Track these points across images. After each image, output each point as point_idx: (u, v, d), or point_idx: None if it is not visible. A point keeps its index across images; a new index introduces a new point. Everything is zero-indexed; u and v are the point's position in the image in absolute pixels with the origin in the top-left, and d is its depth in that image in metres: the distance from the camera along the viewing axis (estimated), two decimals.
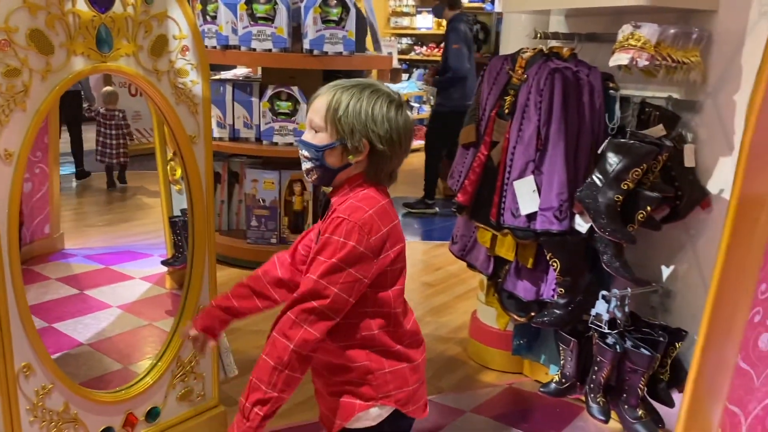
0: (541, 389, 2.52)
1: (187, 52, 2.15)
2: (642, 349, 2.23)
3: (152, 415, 2.27)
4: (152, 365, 2.26)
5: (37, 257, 4.25)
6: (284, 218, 4.38)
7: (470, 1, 10.58)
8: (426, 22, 10.65)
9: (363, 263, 1.36)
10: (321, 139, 1.41)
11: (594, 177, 2.28)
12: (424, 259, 4.80)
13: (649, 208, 2.22)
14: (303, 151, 1.44)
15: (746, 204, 2.05)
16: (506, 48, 2.90)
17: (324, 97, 1.41)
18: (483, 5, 9.96)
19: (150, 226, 5.12)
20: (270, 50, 4.06)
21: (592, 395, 2.33)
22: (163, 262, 3.80)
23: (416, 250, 4.99)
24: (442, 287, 4.22)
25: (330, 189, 1.50)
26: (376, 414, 1.46)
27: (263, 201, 4.35)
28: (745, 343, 2.22)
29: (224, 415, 2.50)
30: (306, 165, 1.45)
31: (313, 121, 1.42)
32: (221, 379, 2.51)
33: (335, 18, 4.06)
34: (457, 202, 2.68)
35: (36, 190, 4.26)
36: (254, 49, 4.06)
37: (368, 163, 1.42)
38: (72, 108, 6.34)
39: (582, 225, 2.33)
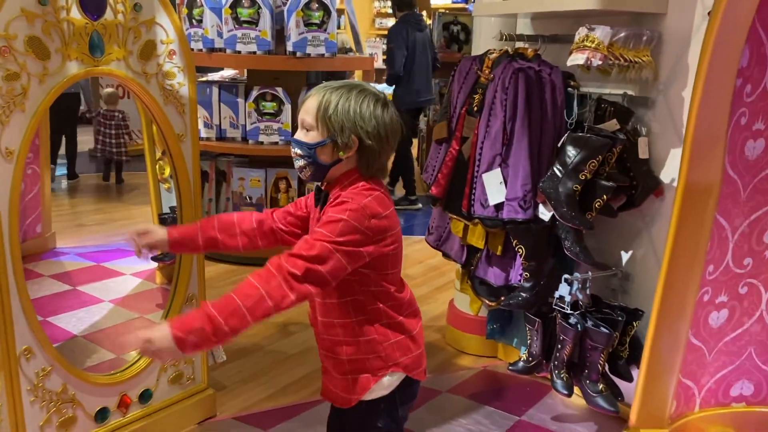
0: (510, 367, 2.69)
1: (174, 56, 2.30)
2: (602, 328, 2.40)
3: (145, 396, 2.42)
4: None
5: (30, 256, 4.36)
6: None
7: (453, 2, 10.78)
8: None
9: (362, 240, 1.45)
10: (312, 137, 1.52)
11: (555, 168, 2.45)
12: (406, 253, 4.95)
13: (605, 197, 2.40)
14: (296, 149, 1.55)
15: (693, 192, 2.23)
16: (477, 49, 3.07)
17: (314, 98, 1.52)
18: (466, 6, 10.15)
19: (140, 225, 5.25)
20: (255, 53, 4.21)
21: (556, 371, 2.50)
22: (153, 258, 3.93)
23: None
24: (422, 279, 4.39)
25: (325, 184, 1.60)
26: (388, 383, 1.58)
27: (250, 198, 4.50)
28: (695, 321, 2.40)
29: (213, 398, 2.65)
30: (299, 162, 1.55)
31: (305, 120, 1.53)
32: (210, 364, 2.66)
33: (317, 21, 4.22)
34: (432, 194, 2.85)
35: (28, 191, 4.39)
36: (239, 52, 4.21)
37: (358, 159, 1.53)
38: (69, 110, 6.45)
39: (545, 213, 2.51)
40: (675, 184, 2.37)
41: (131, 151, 7.29)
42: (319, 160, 1.52)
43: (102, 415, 2.28)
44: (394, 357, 1.57)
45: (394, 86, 6.09)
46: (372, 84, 1.65)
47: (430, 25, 7.36)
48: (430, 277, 4.40)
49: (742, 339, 2.53)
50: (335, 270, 1.43)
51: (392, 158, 6.36)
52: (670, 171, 2.44)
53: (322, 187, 1.60)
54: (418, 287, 4.21)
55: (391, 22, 11.17)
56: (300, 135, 1.54)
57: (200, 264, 2.55)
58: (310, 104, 1.52)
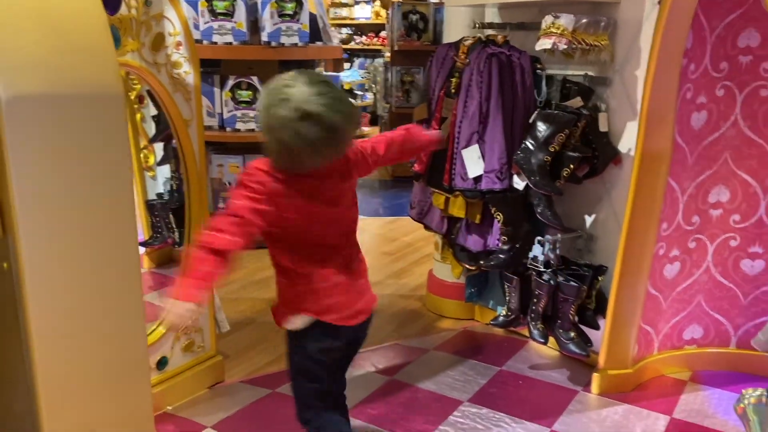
0: (491, 322, 2.99)
1: (180, 47, 2.50)
2: (571, 282, 2.72)
3: (162, 363, 2.62)
4: (161, 319, 2.60)
5: None
6: None
7: None
8: (364, 12, 11.03)
9: (251, 194, 1.71)
10: None
11: (527, 142, 2.74)
12: (381, 232, 5.23)
13: (572, 166, 2.70)
14: None
15: (648, 159, 2.56)
16: (449, 37, 3.34)
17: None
18: None
19: None
20: (231, 43, 4.39)
21: (533, 323, 2.81)
22: (142, 243, 4.09)
23: (373, 225, 5.42)
24: (398, 255, 4.66)
25: None
26: (300, 320, 1.90)
27: (229, 184, 4.68)
28: (653, 274, 2.74)
29: (221, 364, 2.87)
30: None
31: None
32: (217, 332, 2.88)
33: (290, 12, 4.42)
34: (414, 171, 3.11)
35: None
36: (216, 43, 4.38)
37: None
38: None
39: (519, 183, 2.80)
40: (632, 153, 2.69)
41: None
42: None
43: None
44: (301, 305, 1.88)
45: None
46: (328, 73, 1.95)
47: (389, 14, 7.60)
48: (405, 252, 4.68)
49: (692, 288, 2.88)
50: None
51: None
52: (626, 142, 2.75)
53: None
54: (395, 262, 4.48)
55: (345, 11, 11.38)
56: None
57: None
58: None
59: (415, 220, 3.33)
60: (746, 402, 1.57)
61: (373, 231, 5.26)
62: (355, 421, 2.52)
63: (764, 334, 1.33)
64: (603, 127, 2.78)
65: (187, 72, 2.54)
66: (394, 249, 4.78)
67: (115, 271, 0.86)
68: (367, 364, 3.01)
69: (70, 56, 0.74)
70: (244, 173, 1.76)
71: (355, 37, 11.13)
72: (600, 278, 2.81)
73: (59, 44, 0.73)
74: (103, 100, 0.77)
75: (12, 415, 0.87)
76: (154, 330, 2.58)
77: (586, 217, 2.96)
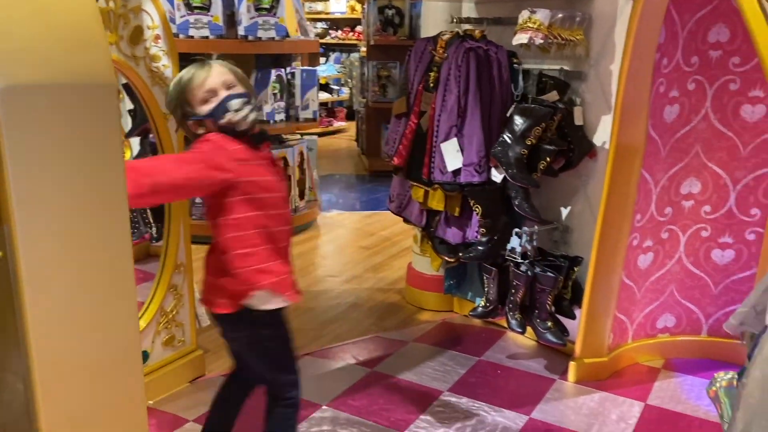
0: (470, 313, 3.04)
1: (159, 40, 2.49)
2: (548, 273, 2.77)
3: (142, 357, 2.61)
4: (141, 313, 2.60)
5: None
6: None
7: None
8: (339, 7, 11.01)
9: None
10: (239, 90, 1.90)
11: (505, 136, 2.78)
12: (359, 227, 5.25)
13: (548, 159, 2.75)
14: (245, 100, 1.87)
15: (622, 152, 2.62)
16: (427, 31, 3.37)
17: (223, 65, 1.91)
18: None
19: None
20: (207, 37, 4.36)
21: (511, 313, 2.86)
22: None
23: (350, 219, 5.43)
24: (377, 249, 4.68)
25: None
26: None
27: None
28: (627, 264, 2.81)
29: (202, 358, 2.87)
30: (248, 109, 1.86)
31: (226, 80, 1.88)
32: (197, 327, 2.88)
33: (267, 6, 4.40)
34: (394, 164, 3.14)
35: None
36: (192, 37, 4.35)
37: None
38: None
39: (497, 176, 2.84)
40: (606, 146, 2.75)
41: None
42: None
43: None
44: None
45: None
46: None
47: (365, 8, 7.61)
48: (383, 247, 4.70)
49: (665, 278, 2.96)
50: None
51: None
52: (601, 135, 2.81)
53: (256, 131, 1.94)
54: (373, 256, 4.50)
55: (321, 5, 11.35)
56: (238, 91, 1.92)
57: (186, 231, 2.74)
58: (227, 69, 1.91)
59: (394, 214, 3.36)
60: (718, 385, 1.62)
61: (350, 225, 5.28)
62: (338, 413, 2.55)
63: (735, 318, 1.39)
64: (578, 120, 2.83)
65: (166, 65, 2.53)
66: (372, 243, 4.80)
67: (108, 256, 0.87)
68: (348, 356, 3.04)
69: (64, 46, 0.75)
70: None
71: (330, 31, 11.12)
72: (576, 269, 2.86)
73: (52, 33, 0.74)
74: (97, 89, 0.78)
75: (4, 404, 0.87)
76: None
77: (562, 209, 3.02)
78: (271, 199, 1.86)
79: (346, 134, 9.57)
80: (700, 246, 2.91)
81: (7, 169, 0.75)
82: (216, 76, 1.85)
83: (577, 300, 2.88)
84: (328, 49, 10.94)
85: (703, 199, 2.86)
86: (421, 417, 2.53)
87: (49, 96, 0.78)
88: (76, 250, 0.86)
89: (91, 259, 0.88)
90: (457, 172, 2.90)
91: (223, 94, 1.84)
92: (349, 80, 10.02)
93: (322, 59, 10.67)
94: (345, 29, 10.92)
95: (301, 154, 4.99)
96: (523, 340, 3.16)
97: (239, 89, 1.87)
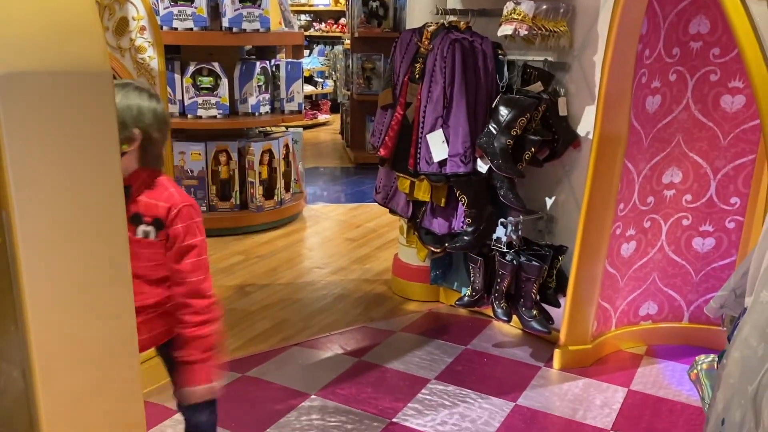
0: (457, 302, 3.07)
1: (144, 32, 2.48)
2: (533, 262, 2.80)
3: None
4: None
5: None
6: (212, 187, 4.70)
7: None
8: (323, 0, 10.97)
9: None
10: None
11: (490, 126, 2.81)
12: (344, 219, 5.26)
13: (533, 149, 2.78)
14: None
15: (605, 142, 2.66)
16: (412, 23, 3.38)
17: None
18: None
19: None
20: (191, 29, 4.34)
21: (496, 302, 2.90)
22: None
23: (336, 212, 5.45)
24: (363, 241, 4.70)
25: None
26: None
27: (191, 171, 4.64)
28: (610, 252, 2.85)
29: None
30: None
31: None
32: None
33: None
34: (380, 155, 3.15)
35: None
36: (176, 29, 4.32)
37: (140, 152, 1.66)
38: None
39: (482, 166, 2.87)
40: (590, 136, 2.78)
41: None
42: None
43: None
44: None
45: None
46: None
47: (349, 0, 7.59)
48: (369, 239, 4.72)
49: (647, 266, 3.01)
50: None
51: None
52: (585, 125, 2.85)
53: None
54: (359, 248, 4.52)
55: None
56: None
57: None
58: None
59: (380, 205, 3.38)
60: (699, 368, 1.66)
61: (336, 218, 5.29)
62: (326, 402, 2.58)
63: (715, 302, 1.42)
64: (562, 111, 2.86)
65: (152, 57, 2.52)
66: (358, 235, 4.82)
67: (106, 243, 0.88)
68: (336, 346, 3.06)
69: (60, 34, 0.75)
70: (195, 216, 1.69)
71: (314, 24, 11.07)
72: (560, 258, 2.90)
73: (49, 22, 0.74)
74: (93, 77, 0.79)
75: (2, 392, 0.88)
76: None
77: (547, 199, 3.05)
78: None
79: (331, 127, 9.57)
80: (682, 234, 2.97)
81: (5, 155, 0.75)
82: None
83: (561, 288, 2.92)
84: (312, 41, 10.90)
85: (684, 188, 2.91)
86: (409, 405, 2.56)
87: (47, 83, 0.78)
88: (75, 236, 0.87)
89: (89, 245, 0.89)
90: (442, 163, 2.92)
91: None
92: (333, 72, 10.00)
93: (306, 52, 10.63)
94: (329, 21, 10.88)
95: (287, 146, 4.99)
96: (509, 329, 3.20)
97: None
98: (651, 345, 3.08)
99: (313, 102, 10.09)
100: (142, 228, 1.66)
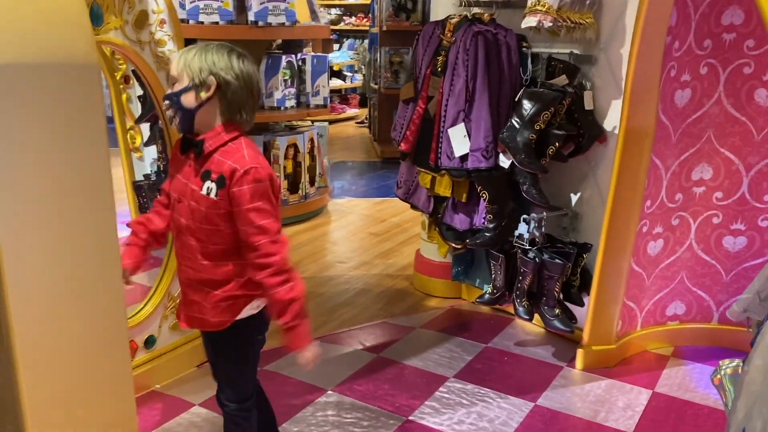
0: (477, 300, 3.02)
1: (164, 25, 2.48)
2: (556, 260, 2.74)
3: (149, 342, 2.63)
4: (148, 298, 2.62)
5: None
6: (284, 181, 4.69)
7: None
8: None
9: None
10: (177, 87, 1.70)
11: (513, 120, 2.75)
12: (369, 213, 5.24)
13: (557, 144, 2.72)
14: (166, 102, 1.72)
15: (632, 137, 2.58)
16: (436, 15, 3.33)
17: (178, 55, 1.72)
18: None
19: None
20: (217, 23, 4.35)
21: (518, 300, 2.84)
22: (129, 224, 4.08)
23: (361, 206, 5.42)
24: (387, 236, 4.67)
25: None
26: (256, 304, 1.81)
27: None
28: (636, 251, 2.77)
29: None
30: (169, 113, 1.72)
31: (172, 75, 1.73)
32: None
33: None
34: (401, 150, 3.12)
35: None
36: (202, 23, 4.34)
37: (221, 103, 1.68)
38: None
39: (505, 161, 2.82)
40: (616, 131, 2.71)
41: None
42: (184, 105, 1.68)
43: None
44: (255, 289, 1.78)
45: None
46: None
47: None
48: (393, 233, 4.69)
49: (675, 265, 2.92)
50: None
51: None
52: (612, 119, 2.77)
53: (196, 138, 1.72)
54: (383, 243, 4.49)
55: None
56: (169, 90, 1.73)
57: None
58: (174, 60, 1.73)
59: (401, 200, 3.34)
60: (723, 373, 1.60)
61: (361, 212, 5.27)
62: (343, 398, 2.56)
63: (739, 305, 1.36)
64: (588, 105, 2.79)
65: (172, 50, 2.52)
66: (383, 229, 4.79)
67: (93, 241, 0.86)
68: (355, 341, 3.04)
69: (44, 24, 0.74)
70: (255, 177, 1.66)
71: (344, 17, 11.05)
72: (585, 256, 2.83)
73: (35, 14, 0.73)
74: (80, 69, 0.77)
75: None
76: (142, 309, 2.60)
77: (572, 195, 2.98)
78: (174, 200, 1.76)
79: (359, 121, 9.54)
80: (712, 233, 2.87)
81: None
82: (172, 68, 1.71)
83: (585, 287, 2.86)
84: (342, 35, 10.88)
85: (714, 185, 2.81)
86: (426, 403, 2.53)
87: (32, 75, 0.77)
88: (60, 233, 0.85)
89: (75, 243, 0.88)
90: (464, 158, 2.87)
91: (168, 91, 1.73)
92: (363, 67, 9.97)
93: (336, 46, 10.62)
94: (359, 15, 10.85)
95: (312, 140, 4.98)
96: (531, 327, 3.14)
97: (179, 85, 1.68)
98: (678, 346, 2.99)
99: (342, 96, 10.08)
100: (207, 184, 1.66)
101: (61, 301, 0.87)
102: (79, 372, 0.95)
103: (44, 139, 0.79)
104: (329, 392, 2.59)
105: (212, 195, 1.66)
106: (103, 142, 0.87)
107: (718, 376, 1.62)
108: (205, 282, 1.75)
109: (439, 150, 2.96)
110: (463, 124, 2.87)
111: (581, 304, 2.86)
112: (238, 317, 1.79)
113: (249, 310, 1.80)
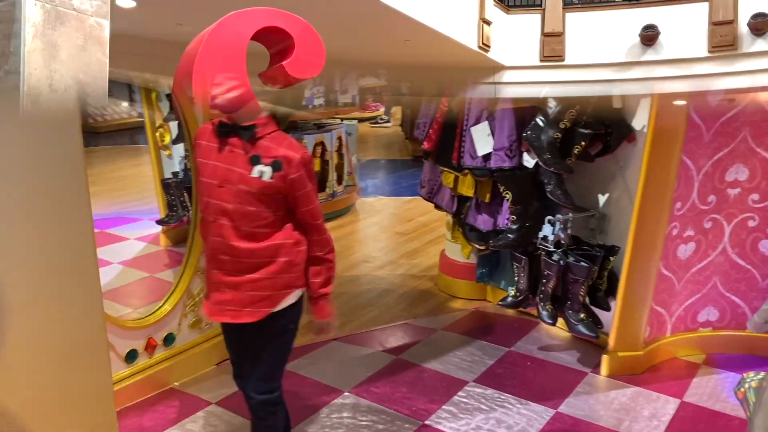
0: (500, 303, 2.96)
1: None
2: (582, 263, 2.66)
3: (169, 339, 2.64)
4: (168, 296, 2.63)
5: None
6: None
7: None
8: None
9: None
10: None
11: (537, 119, 2.68)
12: (396, 212, 5.21)
13: (583, 143, 2.63)
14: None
15: (661, 136, 2.48)
16: None
17: None
18: None
19: (133, 195, 5.39)
20: None
21: (542, 304, 2.77)
22: (159, 222, 4.12)
23: (389, 205, 5.40)
24: (413, 235, 4.63)
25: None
26: (299, 294, 1.85)
27: None
28: (666, 254, 2.67)
29: None
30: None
31: None
32: None
33: None
34: (424, 149, 3.07)
35: None
36: None
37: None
38: None
39: (529, 161, 2.74)
40: (645, 130, 2.61)
41: (112, 125, 7.36)
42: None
43: (131, 356, 2.50)
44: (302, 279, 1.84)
45: None
46: None
47: None
48: (420, 233, 4.65)
49: (708, 269, 2.80)
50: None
51: None
52: (641, 118, 2.67)
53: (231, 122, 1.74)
54: (409, 242, 4.45)
55: None
56: None
57: None
58: None
59: (425, 199, 3.30)
60: (747, 386, 1.51)
61: (389, 211, 5.24)
62: (359, 400, 2.53)
63: (759, 316, 1.28)
64: (616, 103, 2.69)
65: None
66: (409, 229, 4.75)
67: (71, 247, 0.85)
68: (375, 343, 3.01)
69: None
70: (307, 164, 1.75)
71: None
72: (612, 258, 2.74)
73: None
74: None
75: None
76: (161, 307, 2.61)
77: (599, 196, 2.89)
78: (202, 184, 1.77)
79: (373, 121, 9.50)
80: (747, 236, 2.75)
81: None
82: None
83: (612, 291, 2.77)
84: None
85: (750, 186, 2.69)
86: (444, 407, 2.48)
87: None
88: (37, 238, 0.83)
89: (53, 248, 0.86)
90: (487, 157, 2.81)
91: None
92: None
93: None
94: None
95: (340, 138, 4.97)
96: (557, 332, 3.06)
97: None
98: (710, 354, 2.87)
99: (377, 94, 10.06)
100: (258, 168, 1.71)
101: (38, 309, 0.86)
102: (57, 379, 0.94)
103: (18, 142, 0.78)
104: (346, 393, 2.57)
105: (265, 177, 1.71)
106: (77, 147, 0.85)
107: (742, 390, 1.53)
108: (243, 267, 1.77)
109: (462, 149, 2.91)
110: (486, 122, 2.80)
111: (608, 309, 2.77)
112: (277, 308, 1.82)
113: (292, 298, 1.84)
